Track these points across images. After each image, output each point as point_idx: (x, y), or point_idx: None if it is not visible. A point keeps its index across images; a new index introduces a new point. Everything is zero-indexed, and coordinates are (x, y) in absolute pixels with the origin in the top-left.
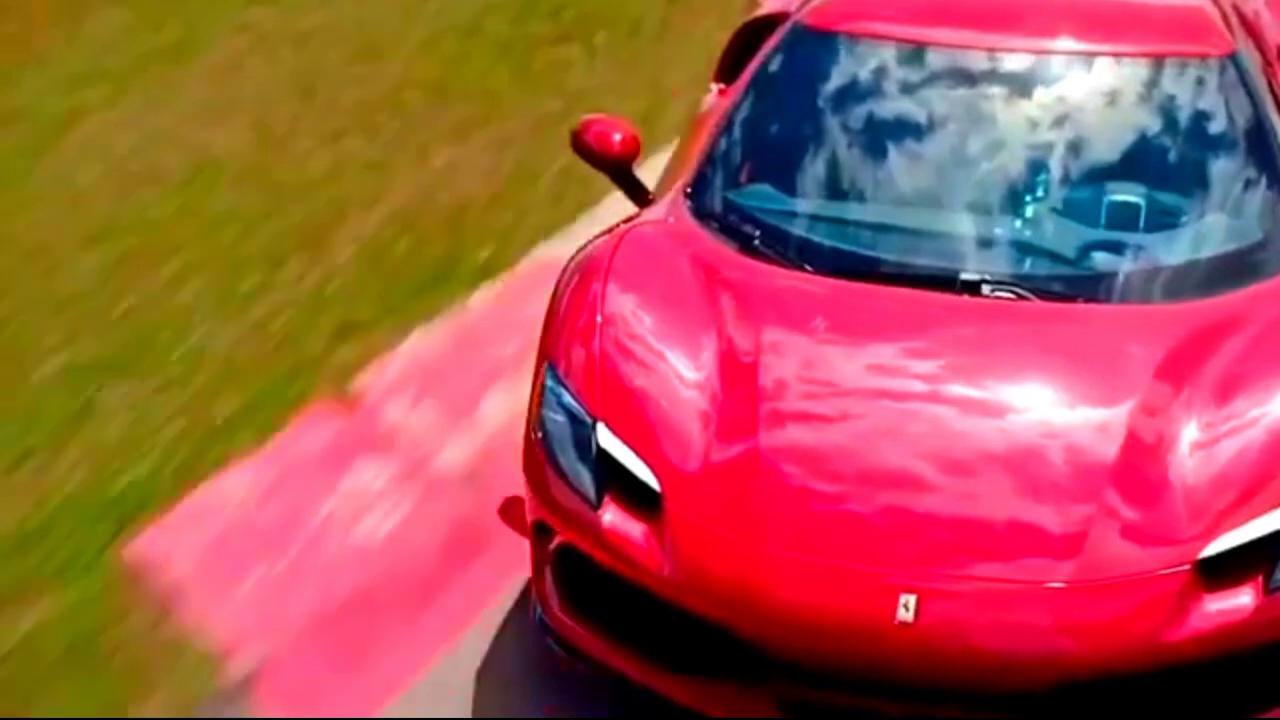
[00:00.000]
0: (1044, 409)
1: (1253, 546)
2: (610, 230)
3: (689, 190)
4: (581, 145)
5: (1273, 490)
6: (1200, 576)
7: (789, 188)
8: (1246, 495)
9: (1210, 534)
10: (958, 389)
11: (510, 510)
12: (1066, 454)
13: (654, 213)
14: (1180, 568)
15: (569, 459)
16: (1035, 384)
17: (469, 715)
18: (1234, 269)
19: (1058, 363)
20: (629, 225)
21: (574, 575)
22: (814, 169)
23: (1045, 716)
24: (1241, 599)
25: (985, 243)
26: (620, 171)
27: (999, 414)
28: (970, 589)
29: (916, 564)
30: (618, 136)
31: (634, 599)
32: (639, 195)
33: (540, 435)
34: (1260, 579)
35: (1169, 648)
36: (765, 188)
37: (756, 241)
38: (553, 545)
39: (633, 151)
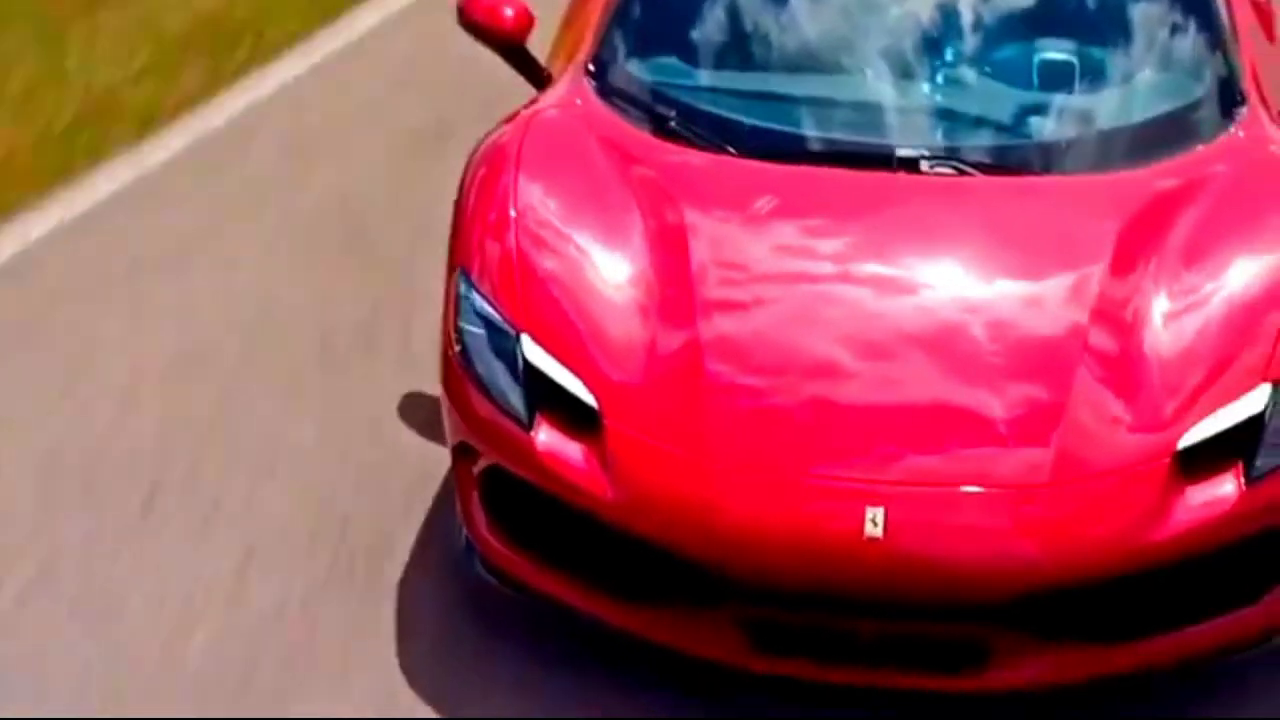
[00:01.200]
0: (1006, 293)
1: (1230, 431)
2: (511, 118)
3: (590, 68)
4: (468, 21)
5: (1248, 367)
6: (1179, 467)
7: (700, 61)
8: (1222, 374)
9: (1189, 419)
10: (911, 278)
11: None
12: (1035, 341)
13: (555, 95)
14: (1161, 459)
15: (493, 375)
16: (993, 267)
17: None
18: (1179, 131)
19: (1014, 242)
20: (532, 110)
21: (505, 499)
22: (728, 37)
23: (1021, 625)
24: (1224, 490)
25: (918, 115)
26: (513, 49)
27: (961, 302)
28: (942, 496)
29: (883, 474)
30: (509, 11)
31: (574, 523)
32: (534, 75)
33: (459, 349)
34: (1240, 467)
35: (1150, 547)
36: (674, 61)
37: (672, 124)
38: (479, 468)
39: (526, 27)
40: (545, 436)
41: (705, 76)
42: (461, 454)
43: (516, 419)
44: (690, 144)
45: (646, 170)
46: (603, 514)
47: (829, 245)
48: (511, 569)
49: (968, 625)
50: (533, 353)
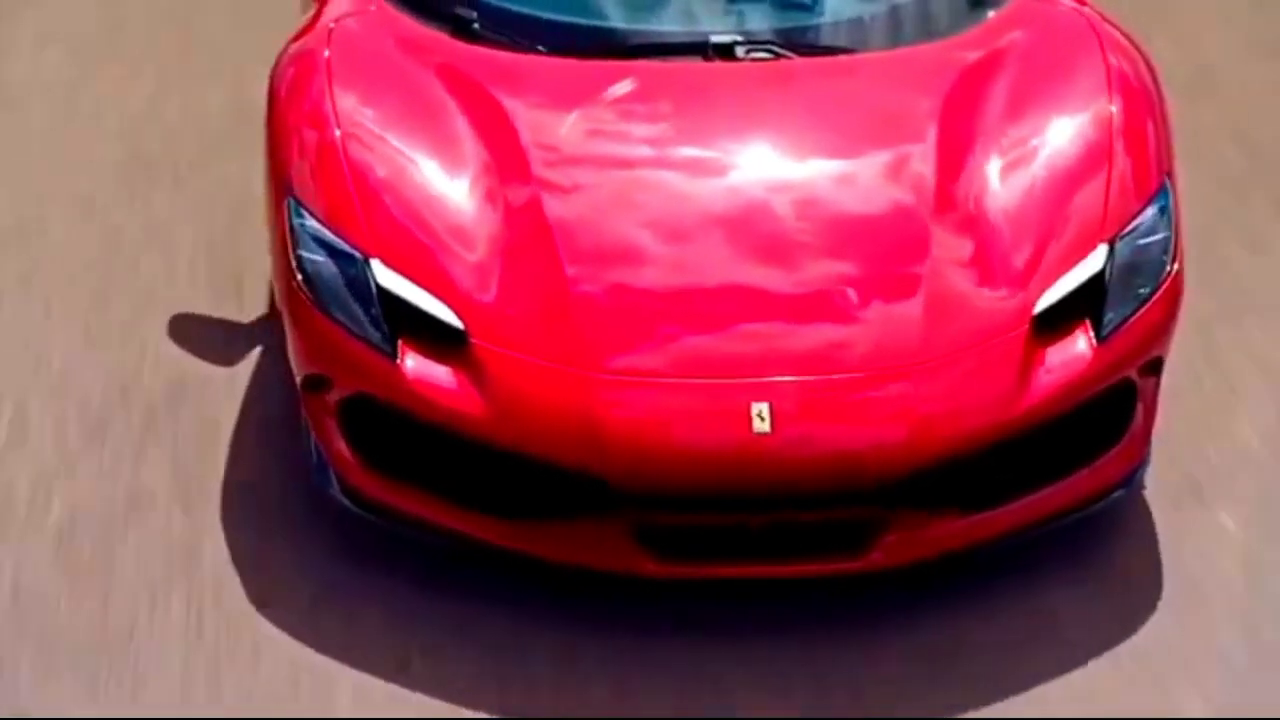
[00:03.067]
0: (846, 175)
1: (1076, 293)
2: (302, 33)
3: None
4: None
5: (1084, 228)
6: (1035, 333)
7: None
8: (1061, 238)
9: (1039, 285)
10: (749, 165)
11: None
12: (884, 223)
13: (337, 7)
14: (1020, 327)
15: (346, 304)
16: (828, 149)
17: None
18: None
19: (845, 125)
20: (329, 21)
21: (369, 427)
22: None
23: (902, 502)
24: (1078, 350)
25: (720, 2)
26: None
27: (809, 188)
28: (822, 385)
29: (761, 368)
30: None
31: (450, 447)
32: None
33: (300, 280)
34: (1087, 326)
35: (1019, 414)
36: None
37: (476, 25)
38: (338, 398)
39: None
40: (412, 362)
41: None
42: (313, 385)
43: (378, 348)
44: (500, 45)
45: (462, 72)
46: (482, 435)
47: (670, 136)
48: (380, 496)
49: (855, 508)
50: (385, 277)
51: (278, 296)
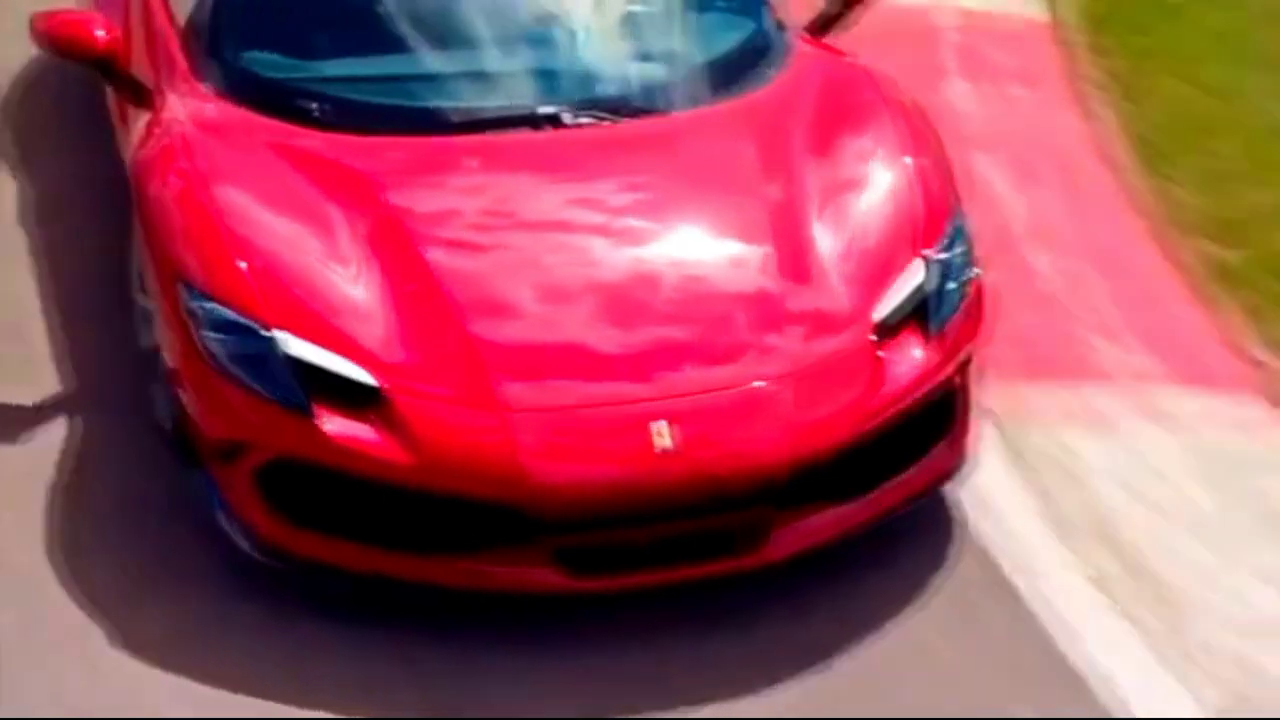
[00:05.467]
0: (692, 218)
1: (904, 303)
2: (147, 137)
3: (198, 73)
4: (52, 42)
5: (901, 244)
6: (878, 339)
7: (318, 51)
8: (885, 256)
9: (874, 299)
10: (606, 216)
11: None
12: (736, 257)
13: (181, 104)
14: (865, 335)
15: (256, 375)
16: (676, 197)
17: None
18: (759, 59)
19: (681, 175)
20: (172, 121)
21: (287, 486)
22: (336, 24)
23: (787, 501)
24: (915, 352)
25: (544, 75)
26: (109, 68)
27: (666, 232)
28: (713, 401)
29: (657, 390)
30: (100, 33)
31: (372, 494)
32: (138, 92)
33: (210, 359)
34: (918, 331)
35: (875, 411)
36: (296, 54)
37: (316, 114)
38: (256, 463)
39: (122, 48)
40: (331, 422)
41: (331, 66)
42: (225, 454)
43: (297, 412)
44: (345, 130)
45: (316, 155)
46: (407, 480)
47: (526, 196)
48: (301, 549)
49: (750, 510)
50: (294, 346)
51: (175, 374)
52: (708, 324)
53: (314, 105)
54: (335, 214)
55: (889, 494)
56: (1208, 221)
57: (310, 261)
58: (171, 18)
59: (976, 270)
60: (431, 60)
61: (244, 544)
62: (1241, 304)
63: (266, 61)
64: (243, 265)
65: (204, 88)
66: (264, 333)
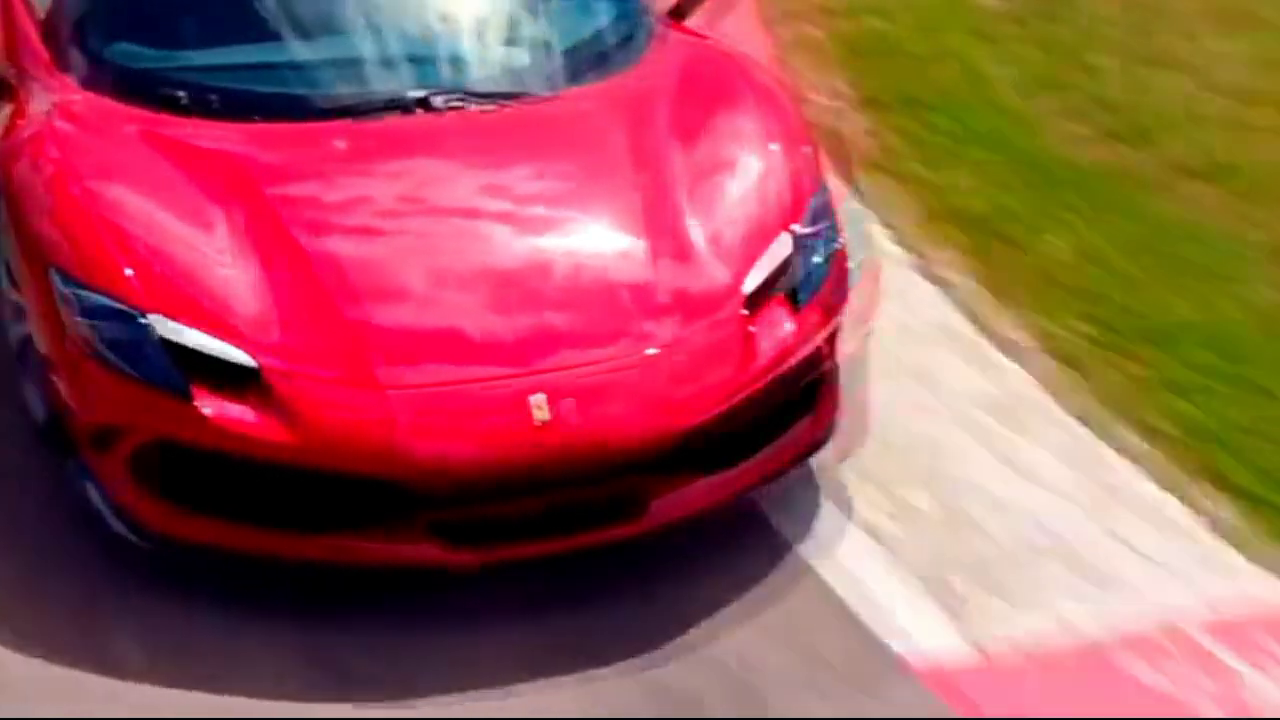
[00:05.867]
0: (564, 200)
1: (772, 276)
2: (12, 128)
3: (61, 65)
4: None
5: (769, 219)
6: (748, 311)
7: (183, 39)
8: (754, 230)
9: (743, 272)
10: (479, 196)
11: None
12: (610, 232)
13: (45, 96)
14: (736, 309)
15: (132, 360)
16: (547, 178)
17: None
18: (627, 43)
19: (554, 154)
20: (38, 112)
21: (163, 468)
22: (197, 10)
23: (664, 470)
24: (783, 323)
25: (411, 60)
26: None
27: (540, 210)
28: (589, 375)
29: (533, 365)
30: None
31: (250, 474)
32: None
33: (84, 344)
34: (785, 302)
35: (747, 381)
36: (161, 42)
37: (184, 101)
38: (132, 446)
39: None
40: (209, 404)
41: (197, 55)
42: (101, 439)
43: (175, 395)
44: (214, 118)
45: (184, 143)
46: (287, 459)
47: (399, 178)
48: (181, 532)
49: (628, 479)
50: (168, 329)
51: (48, 362)
52: (586, 300)
53: (181, 93)
54: (207, 201)
55: (762, 463)
56: None
57: (184, 246)
58: (30, 8)
59: (840, 242)
60: (295, 47)
61: (121, 529)
62: None
63: (131, 52)
64: (115, 251)
65: (69, 79)
66: (139, 318)
